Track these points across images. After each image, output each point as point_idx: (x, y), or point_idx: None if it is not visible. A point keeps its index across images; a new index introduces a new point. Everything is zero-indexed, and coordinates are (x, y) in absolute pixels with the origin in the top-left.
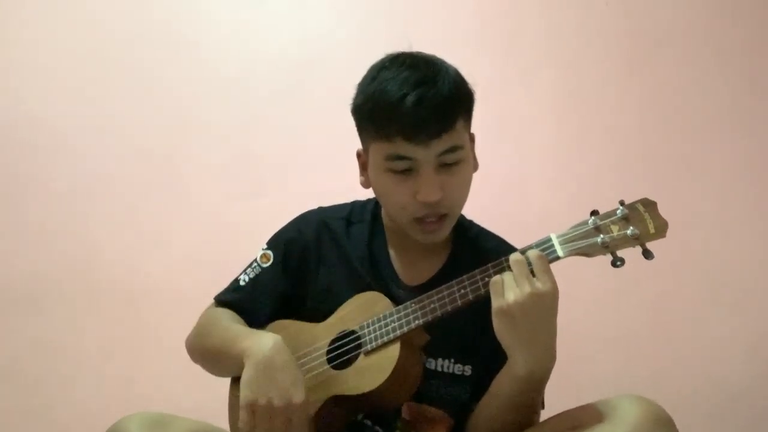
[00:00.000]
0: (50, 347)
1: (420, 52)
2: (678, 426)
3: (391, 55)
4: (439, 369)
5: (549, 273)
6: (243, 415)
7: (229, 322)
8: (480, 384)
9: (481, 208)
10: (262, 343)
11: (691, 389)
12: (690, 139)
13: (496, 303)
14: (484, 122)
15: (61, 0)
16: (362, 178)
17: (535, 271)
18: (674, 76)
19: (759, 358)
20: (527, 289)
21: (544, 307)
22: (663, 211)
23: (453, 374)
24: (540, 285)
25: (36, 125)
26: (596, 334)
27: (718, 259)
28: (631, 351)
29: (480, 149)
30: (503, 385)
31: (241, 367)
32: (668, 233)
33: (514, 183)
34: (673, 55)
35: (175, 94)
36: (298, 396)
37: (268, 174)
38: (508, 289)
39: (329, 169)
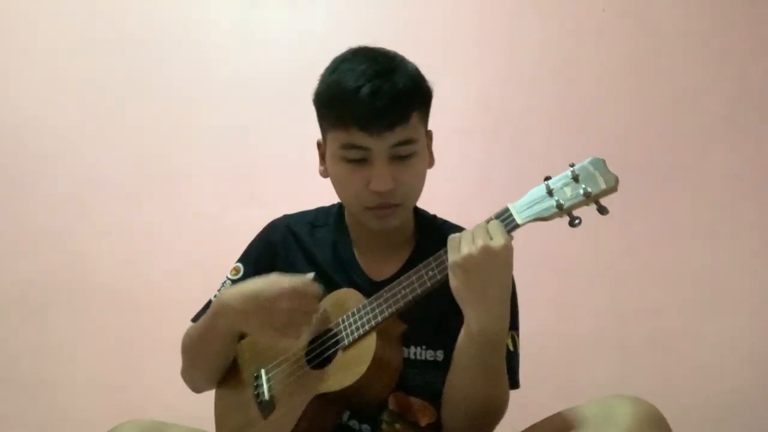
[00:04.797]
0: (46, 352)
1: (382, 48)
2: (674, 429)
3: (353, 48)
4: (412, 357)
5: (503, 231)
6: (265, 335)
7: (197, 322)
8: None
9: (476, 212)
10: (218, 300)
11: (688, 395)
12: (687, 146)
13: (451, 257)
14: (481, 127)
15: (59, 4)
16: (321, 168)
17: (491, 230)
18: (671, 81)
19: (756, 364)
20: (480, 243)
21: (496, 261)
22: (660, 217)
23: (426, 361)
24: (494, 241)
25: (34, 129)
26: (594, 340)
27: (714, 264)
28: (629, 358)
29: (477, 152)
30: (460, 347)
31: (223, 332)
32: (665, 238)
33: (510, 186)
34: (670, 59)
35: (173, 99)
36: (265, 282)
37: (266, 180)
38: (464, 245)
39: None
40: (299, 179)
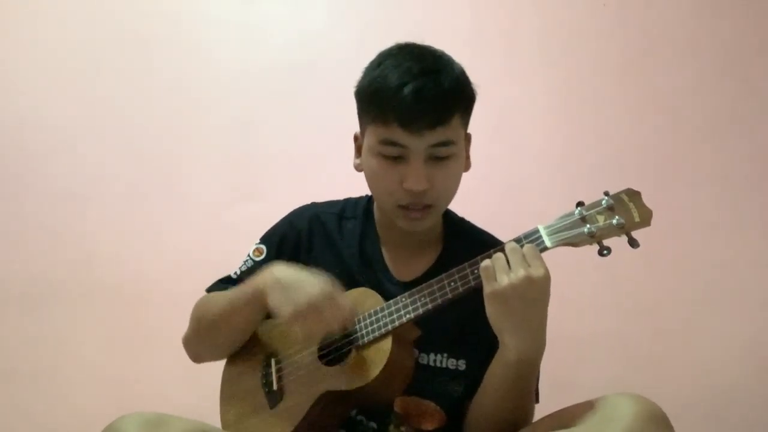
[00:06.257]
0: (48, 347)
1: (429, 46)
2: (675, 427)
3: (400, 44)
4: (432, 364)
5: (541, 259)
6: (298, 329)
7: (225, 291)
8: (474, 379)
9: (477, 209)
10: (269, 272)
11: (689, 391)
12: (687, 141)
13: (488, 287)
14: (481, 123)
15: (59, 1)
16: (357, 161)
17: (528, 257)
18: (672, 77)
19: (756, 360)
20: (522, 273)
21: (537, 291)
22: (660, 214)
23: (447, 369)
24: (533, 270)
25: (34, 126)
26: (594, 336)
27: (715, 261)
28: (629, 354)
29: (476, 150)
30: (495, 371)
31: (262, 306)
32: (666, 235)
33: (510, 184)
34: (671, 56)
35: (173, 95)
36: (325, 286)
37: (265, 175)
38: (501, 273)
39: (326, 171)
40: (300, 175)
